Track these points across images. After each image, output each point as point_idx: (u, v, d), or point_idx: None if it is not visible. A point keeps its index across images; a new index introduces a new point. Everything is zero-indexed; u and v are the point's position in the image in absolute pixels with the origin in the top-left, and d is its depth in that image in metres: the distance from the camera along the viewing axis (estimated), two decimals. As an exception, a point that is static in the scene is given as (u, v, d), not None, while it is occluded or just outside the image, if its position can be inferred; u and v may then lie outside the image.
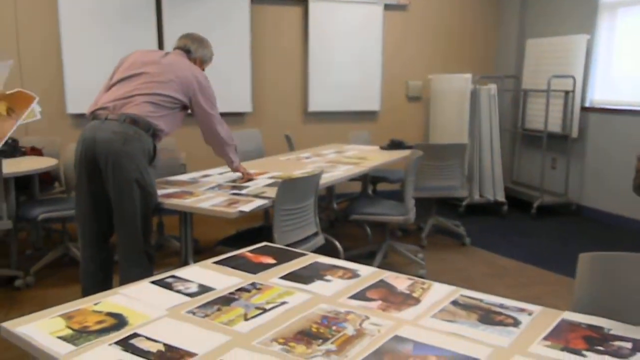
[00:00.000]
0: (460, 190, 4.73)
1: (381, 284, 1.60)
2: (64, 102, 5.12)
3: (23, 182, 3.89)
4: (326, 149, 4.81)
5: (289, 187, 2.80)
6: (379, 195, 5.34)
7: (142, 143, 2.63)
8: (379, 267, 2.00)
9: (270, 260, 1.81)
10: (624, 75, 5.38)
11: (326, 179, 3.38)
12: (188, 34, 3.07)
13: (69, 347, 1.18)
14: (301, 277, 1.66)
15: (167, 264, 3.72)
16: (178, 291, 1.53)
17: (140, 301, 1.45)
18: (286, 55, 5.91)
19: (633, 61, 5.27)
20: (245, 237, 3.40)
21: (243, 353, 1.18)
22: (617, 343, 1.25)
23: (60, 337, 1.23)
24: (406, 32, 6.32)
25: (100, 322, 1.31)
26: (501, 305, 1.45)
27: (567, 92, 5.62)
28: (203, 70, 3.03)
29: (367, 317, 1.37)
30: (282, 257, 1.85)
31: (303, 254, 1.87)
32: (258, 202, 2.66)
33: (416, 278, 1.65)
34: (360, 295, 1.51)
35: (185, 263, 2.81)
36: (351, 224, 4.74)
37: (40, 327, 1.28)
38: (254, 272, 1.69)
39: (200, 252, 3.74)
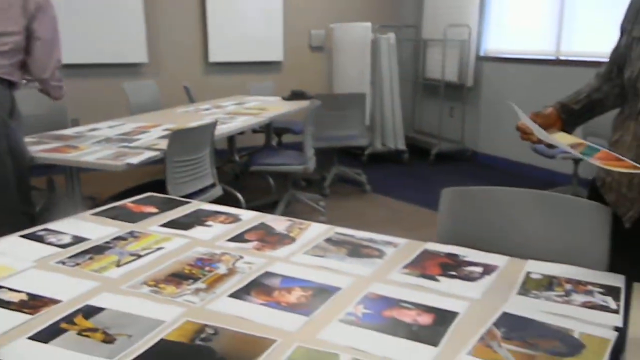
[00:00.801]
0: (360, 139, 4.86)
1: (260, 226, 1.64)
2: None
3: None
4: (227, 100, 4.75)
5: (181, 137, 2.75)
6: (284, 147, 5.37)
7: None
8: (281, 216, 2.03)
9: (152, 210, 1.79)
10: (516, 24, 5.64)
11: (223, 130, 3.35)
12: None
13: None
14: (182, 223, 1.66)
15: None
16: (49, 243, 1.49)
17: (5, 255, 1.40)
18: (183, 2, 5.68)
19: (524, 10, 5.53)
20: (142, 191, 3.33)
21: (110, 297, 1.18)
22: (469, 268, 1.36)
23: None
24: (308, -20, 6.25)
25: (-42, 277, 1.26)
26: (370, 240, 1.53)
27: (462, 42, 5.83)
28: None
29: (241, 257, 1.40)
30: (166, 206, 1.84)
31: (187, 202, 1.87)
32: (148, 154, 2.60)
33: (295, 219, 1.70)
34: (238, 238, 1.54)
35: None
36: (256, 176, 4.76)
37: None
38: (134, 222, 1.67)
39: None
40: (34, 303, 1.15)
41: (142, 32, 5.41)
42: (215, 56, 5.88)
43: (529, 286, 1.25)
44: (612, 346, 1.01)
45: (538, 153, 4.19)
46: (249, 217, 1.72)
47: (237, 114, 3.98)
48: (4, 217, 2.56)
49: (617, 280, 1.27)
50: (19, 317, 1.09)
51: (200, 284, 1.25)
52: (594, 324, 1.08)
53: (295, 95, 4.82)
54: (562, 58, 5.12)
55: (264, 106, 4.37)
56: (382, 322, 1.08)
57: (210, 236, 1.56)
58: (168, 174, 2.71)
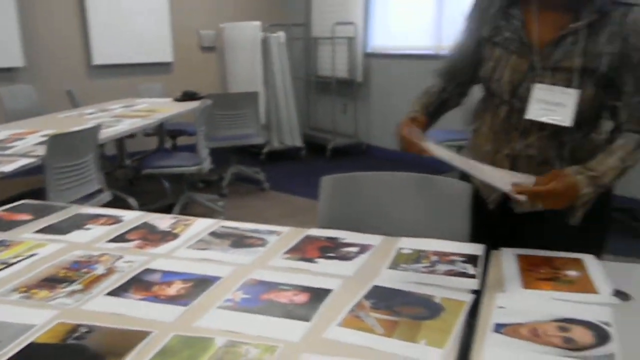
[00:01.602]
0: (256, 137, 4.87)
1: (143, 226, 1.62)
2: None
3: None
4: (114, 104, 4.58)
5: (60, 143, 2.63)
6: (179, 149, 5.27)
7: None
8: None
9: (26, 217, 1.71)
10: (399, 21, 5.89)
11: (109, 133, 3.24)
12: None
13: None
14: (58, 229, 1.60)
15: None
16: None
17: None
18: (60, 1, 5.39)
19: (406, 7, 5.78)
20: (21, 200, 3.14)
21: (-25, 308, 1.13)
22: (347, 249, 1.43)
23: None
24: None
25: None
26: (255, 231, 1.56)
27: (350, 39, 6.01)
28: None
29: (121, 257, 1.38)
30: (41, 212, 1.76)
31: (65, 207, 1.80)
32: (23, 161, 2.47)
33: (180, 217, 1.70)
34: (119, 238, 1.51)
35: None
36: (151, 180, 4.63)
37: None
38: (4, 230, 1.59)
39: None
40: None
41: (16, 34, 5.07)
42: (99, 58, 5.64)
43: (399, 260, 1.34)
44: (469, 306, 1.11)
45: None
46: (131, 218, 1.69)
47: (124, 116, 3.86)
48: None
49: (477, 249, 1.39)
50: None
51: (75, 286, 1.22)
52: (453, 289, 1.18)
53: (187, 96, 4.75)
54: (441, 53, 5.42)
55: (154, 108, 4.26)
56: (259, 305, 1.12)
57: (89, 239, 1.52)
58: (48, 181, 2.59)
